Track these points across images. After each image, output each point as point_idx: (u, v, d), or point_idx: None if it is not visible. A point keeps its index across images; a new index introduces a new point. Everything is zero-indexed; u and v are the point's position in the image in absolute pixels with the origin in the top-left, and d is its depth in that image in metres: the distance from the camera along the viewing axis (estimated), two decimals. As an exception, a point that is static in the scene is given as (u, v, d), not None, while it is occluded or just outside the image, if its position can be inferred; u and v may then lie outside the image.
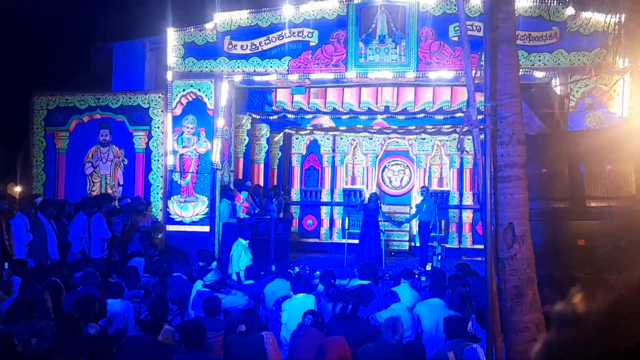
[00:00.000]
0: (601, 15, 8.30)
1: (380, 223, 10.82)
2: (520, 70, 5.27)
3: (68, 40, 11.46)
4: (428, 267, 9.52)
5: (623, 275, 0.82)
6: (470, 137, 4.75)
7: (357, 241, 10.79)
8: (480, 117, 4.80)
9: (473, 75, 4.75)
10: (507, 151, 4.44)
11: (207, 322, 5.04)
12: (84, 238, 8.37)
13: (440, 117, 11.41)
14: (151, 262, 7.77)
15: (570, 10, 9.06)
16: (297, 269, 8.60)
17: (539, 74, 9.12)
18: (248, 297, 6.54)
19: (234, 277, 8.08)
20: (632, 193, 5.28)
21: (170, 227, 9.99)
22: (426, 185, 11.75)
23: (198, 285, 6.37)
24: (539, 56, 9.14)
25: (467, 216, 12.31)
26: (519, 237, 4.34)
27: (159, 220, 9.95)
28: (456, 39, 9.34)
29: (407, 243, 12.32)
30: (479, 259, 10.42)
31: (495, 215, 4.53)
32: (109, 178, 10.42)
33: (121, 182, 10.39)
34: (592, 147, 5.55)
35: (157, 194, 10.16)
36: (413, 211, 11.84)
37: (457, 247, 12.16)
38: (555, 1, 9.07)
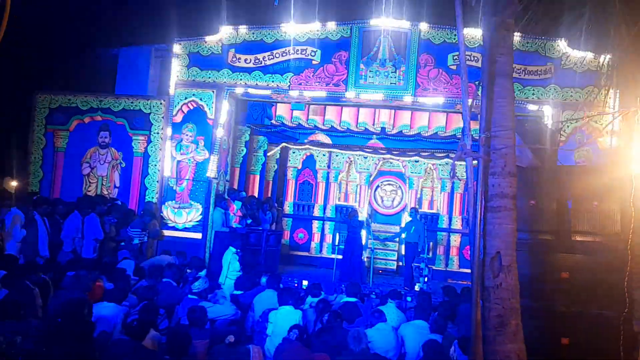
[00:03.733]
0: (595, 55, 8.44)
1: (369, 241, 10.80)
2: (515, 103, 5.33)
3: (75, 43, 11.45)
4: (417, 288, 9.51)
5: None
6: (464, 163, 4.77)
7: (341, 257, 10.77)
8: (474, 145, 4.83)
9: (469, 104, 4.80)
10: (499, 182, 4.48)
11: (193, 330, 5.00)
12: (76, 237, 8.31)
13: (434, 141, 11.47)
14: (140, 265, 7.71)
15: (564, 48, 9.20)
16: (295, 282, 8.54)
17: (532, 107, 9.23)
18: (235, 307, 6.49)
19: (224, 285, 8.01)
20: (616, 230, 5.32)
21: (164, 232, 9.93)
22: (416, 207, 11.77)
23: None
24: (533, 89, 9.26)
25: (455, 240, 12.33)
26: (506, 266, 4.35)
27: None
28: (454, 67, 9.45)
29: (395, 262, 12.29)
30: (465, 282, 10.42)
31: (484, 244, 4.55)
32: (105, 179, 10.38)
33: (117, 185, 10.35)
34: (580, 183, 5.60)
35: (152, 198, 10.12)
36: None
37: (444, 269, 12.15)
38: (551, 38, 9.20)
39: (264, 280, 7.43)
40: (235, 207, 10.51)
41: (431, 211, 12.72)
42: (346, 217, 10.95)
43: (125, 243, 8.88)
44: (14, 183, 10.86)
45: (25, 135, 10.61)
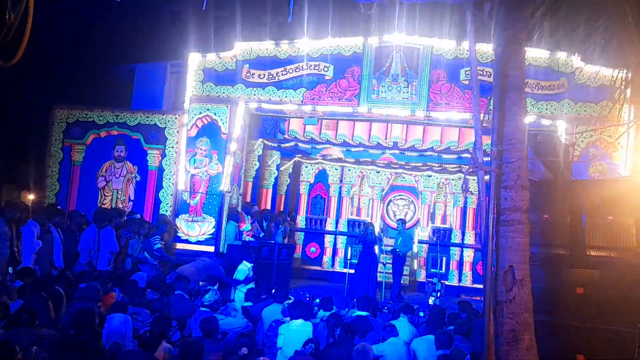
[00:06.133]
0: (609, 69, 8.40)
1: (381, 255, 10.74)
2: (527, 116, 5.32)
3: (92, 58, 11.66)
4: (430, 302, 9.45)
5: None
6: (475, 177, 4.76)
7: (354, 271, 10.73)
8: (486, 159, 4.82)
9: (481, 118, 4.80)
10: (511, 195, 4.45)
11: (206, 342, 5.00)
12: (92, 250, 8.38)
13: (447, 156, 11.46)
14: (155, 278, 7.75)
15: (578, 63, 9.17)
16: (307, 296, 8.52)
17: (545, 122, 9.18)
18: (247, 319, 6.48)
19: (236, 299, 8.01)
20: (632, 245, 5.24)
21: (177, 245, 9.99)
22: (403, 218, 11.74)
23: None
24: (546, 104, 9.21)
25: (468, 255, 12.22)
26: (519, 280, 4.31)
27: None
28: (467, 82, 9.45)
29: (407, 277, 12.20)
30: (478, 298, 10.30)
31: (496, 258, 4.51)
32: (120, 193, 10.49)
33: (132, 198, 10.46)
34: (594, 197, 5.53)
35: (166, 211, 10.20)
36: (415, 246, 11.77)
37: (457, 284, 12.02)
38: (564, 53, 9.18)
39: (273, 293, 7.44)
40: (246, 225, 10.52)
41: (444, 226, 12.64)
42: (360, 233, 10.93)
43: (146, 252, 8.94)
44: (31, 196, 11.01)
45: (43, 149, 10.79)
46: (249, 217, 10.73)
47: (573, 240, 5.51)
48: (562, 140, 8.76)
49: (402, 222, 11.04)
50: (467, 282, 12.10)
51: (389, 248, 11.51)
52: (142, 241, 9.04)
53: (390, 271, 11.20)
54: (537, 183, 5.46)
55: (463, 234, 12.39)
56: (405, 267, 12.19)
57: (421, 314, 7.37)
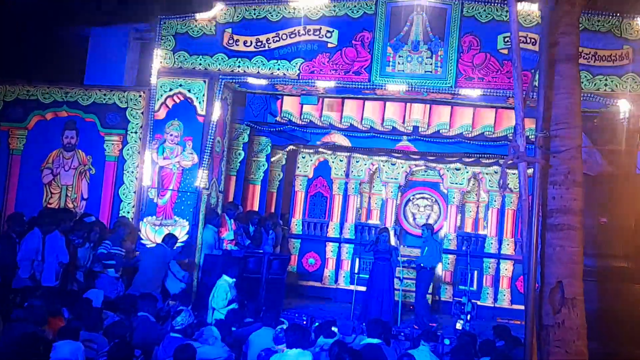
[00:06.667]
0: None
1: (397, 269, 10.77)
2: (582, 95, 5.32)
3: (34, 21, 11.63)
4: (459, 327, 9.46)
5: None
6: (516, 171, 4.77)
7: (365, 288, 10.77)
8: (529, 147, 4.83)
9: (524, 97, 4.80)
10: (560, 193, 4.46)
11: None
12: (36, 261, 8.38)
13: (479, 144, 11.44)
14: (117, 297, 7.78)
15: (646, 27, 9.15)
16: (304, 319, 8.57)
17: (604, 102, 9.16)
18: (228, 348, 6.51)
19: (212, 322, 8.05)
20: None
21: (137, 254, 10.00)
22: (431, 223, 11.74)
23: None
24: (606, 79, 9.20)
25: (506, 269, 12.23)
26: (569, 300, 4.32)
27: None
28: (506, 51, 9.43)
29: (430, 296, 12.22)
30: (518, 322, 10.33)
31: (541, 271, 4.52)
32: (70, 189, 10.50)
33: (85, 196, 10.47)
34: (665, 196, 5.55)
35: (128, 212, 10.21)
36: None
37: (492, 305, 12.05)
38: (628, 15, 9.15)
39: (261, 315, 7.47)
40: (228, 233, 10.55)
41: (476, 232, 12.65)
42: (371, 240, 10.96)
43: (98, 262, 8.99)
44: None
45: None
46: (232, 220, 10.74)
47: (638, 250, 5.52)
48: (625, 124, 8.76)
49: (429, 228, 11.05)
50: (505, 302, 12.12)
51: (407, 259, 11.55)
52: (94, 248, 9.05)
53: (411, 289, 11.24)
54: (593, 178, 5.46)
55: (500, 242, 12.40)
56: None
57: (447, 341, 7.40)
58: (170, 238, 9.43)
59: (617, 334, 5.41)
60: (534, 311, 4.34)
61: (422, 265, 10.63)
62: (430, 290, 12.23)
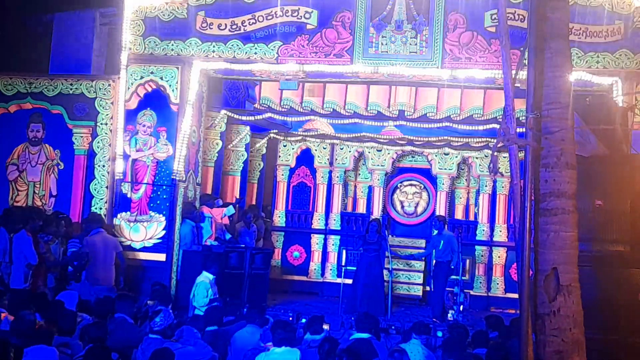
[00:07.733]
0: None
1: (386, 259, 10.81)
2: (573, 73, 5.34)
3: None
4: (450, 318, 9.52)
5: None
6: (507, 155, 4.79)
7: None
8: (520, 130, 4.85)
9: (513, 76, 4.81)
10: (553, 176, 4.48)
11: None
12: (3, 262, 8.31)
13: (469, 127, 11.48)
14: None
15: (639, 1, 9.19)
16: (289, 315, 8.57)
17: (596, 80, 9.22)
18: (211, 348, 6.51)
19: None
20: None
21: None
22: (443, 215, 11.77)
23: None
24: (598, 57, 9.25)
25: (499, 256, 12.33)
26: (565, 287, 4.36)
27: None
28: (493, 29, 9.44)
29: (421, 287, 12.30)
30: (512, 311, 10.43)
31: (535, 258, 4.55)
32: (38, 186, 10.39)
33: (54, 193, 10.37)
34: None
35: (101, 209, 10.13)
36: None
37: (485, 294, 12.16)
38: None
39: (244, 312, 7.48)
40: (225, 212, 10.62)
41: (466, 219, 12.73)
42: (363, 233, 10.98)
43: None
44: None
45: None
46: (233, 209, 10.82)
47: (635, 234, 5.56)
48: (619, 102, 8.82)
49: (440, 221, 11.06)
50: (498, 290, 12.23)
51: (407, 252, 11.63)
52: (64, 244, 8.95)
53: (401, 280, 11.31)
54: (586, 159, 5.49)
55: (492, 229, 12.49)
56: (416, 274, 12.32)
57: (439, 333, 7.44)
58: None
59: (615, 321, 5.46)
60: (528, 299, 4.37)
61: (438, 260, 10.69)
62: (418, 281, 12.34)
